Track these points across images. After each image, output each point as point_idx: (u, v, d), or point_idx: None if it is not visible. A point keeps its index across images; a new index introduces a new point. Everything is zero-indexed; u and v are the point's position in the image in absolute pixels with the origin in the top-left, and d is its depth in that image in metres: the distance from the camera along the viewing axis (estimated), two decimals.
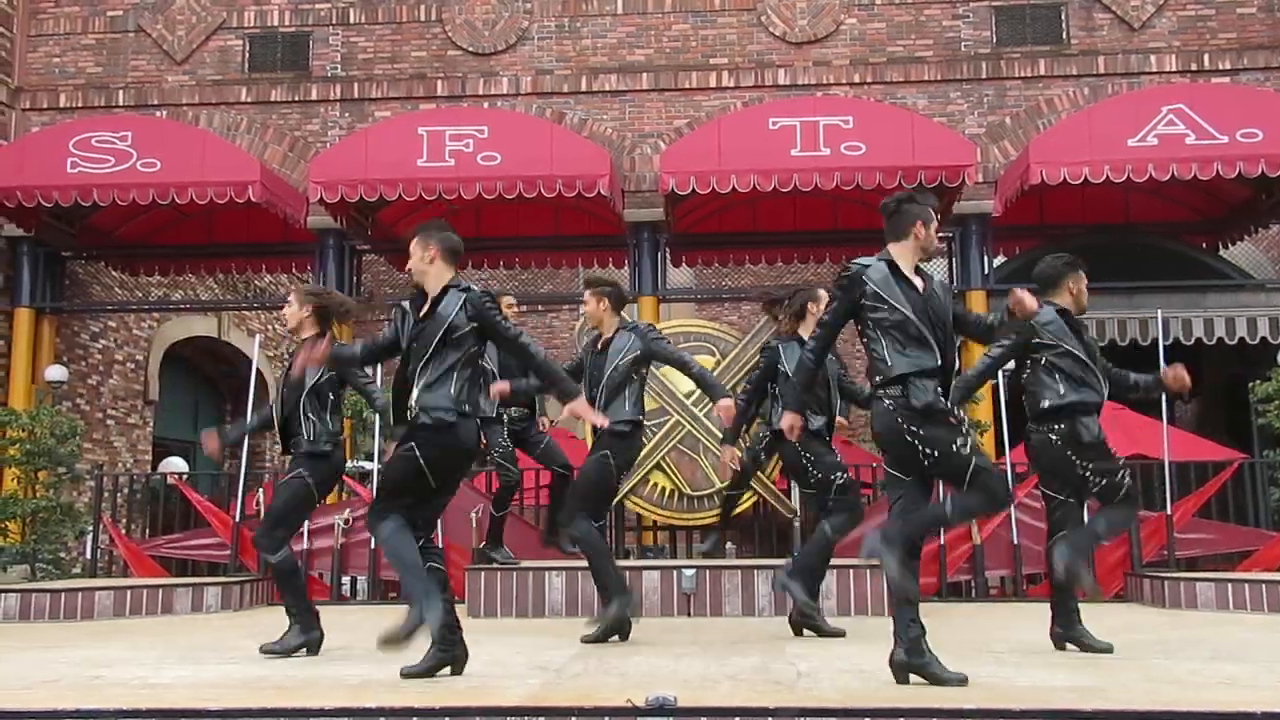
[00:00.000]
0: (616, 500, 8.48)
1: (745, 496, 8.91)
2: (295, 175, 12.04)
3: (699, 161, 10.61)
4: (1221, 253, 12.74)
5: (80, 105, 12.50)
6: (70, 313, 12.94)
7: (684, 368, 6.30)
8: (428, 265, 4.75)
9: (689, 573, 7.58)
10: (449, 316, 4.63)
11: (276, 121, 12.44)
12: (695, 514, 9.34)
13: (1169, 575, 8.24)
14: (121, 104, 12.49)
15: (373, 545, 9.08)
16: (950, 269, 12.05)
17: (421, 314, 4.72)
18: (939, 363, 4.33)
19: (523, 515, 9.70)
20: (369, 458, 9.81)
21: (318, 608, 5.70)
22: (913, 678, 4.09)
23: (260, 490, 9.57)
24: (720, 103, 12.11)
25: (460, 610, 5.01)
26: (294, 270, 13.98)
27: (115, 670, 4.85)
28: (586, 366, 6.27)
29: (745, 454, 7.79)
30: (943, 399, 4.30)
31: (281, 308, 6.16)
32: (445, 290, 4.70)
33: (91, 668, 4.96)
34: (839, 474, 6.25)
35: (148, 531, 10.98)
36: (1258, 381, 10.22)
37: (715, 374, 7.80)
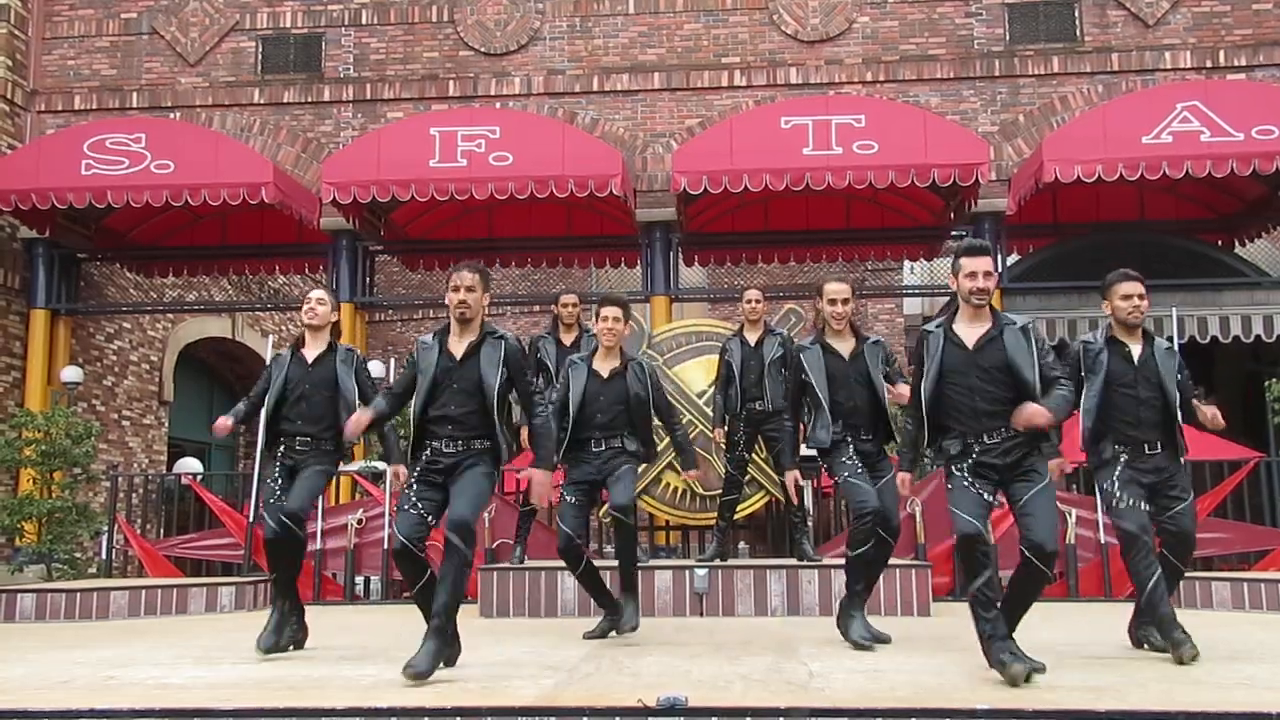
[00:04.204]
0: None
1: (758, 496, 8.89)
2: (308, 176, 12.07)
3: (711, 161, 10.60)
4: (1237, 250, 12.66)
5: (94, 107, 12.56)
6: (85, 314, 13.00)
7: None
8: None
9: (701, 573, 7.57)
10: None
11: (289, 123, 12.48)
12: (708, 514, 9.31)
13: (1184, 575, 8.17)
14: (135, 106, 12.54)
15: (385, 546, 9.10)
16: None
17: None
18: None
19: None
20: (381, 459, 9.81)
21: (324, 608, 5.73)
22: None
23: None
24: (732, 102, 12.10)
25: (472, 610, 5.01)
26: (307, 271, 14.02)
27: (130, 670, 4.87)
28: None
29: (728, 462, 7.82)
30: None
31: (296, 308, 6.19)
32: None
33: (106, 668, 4.98)
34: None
35: (162, 532, 11.03)
36: (1274, 380, 10.15)
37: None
